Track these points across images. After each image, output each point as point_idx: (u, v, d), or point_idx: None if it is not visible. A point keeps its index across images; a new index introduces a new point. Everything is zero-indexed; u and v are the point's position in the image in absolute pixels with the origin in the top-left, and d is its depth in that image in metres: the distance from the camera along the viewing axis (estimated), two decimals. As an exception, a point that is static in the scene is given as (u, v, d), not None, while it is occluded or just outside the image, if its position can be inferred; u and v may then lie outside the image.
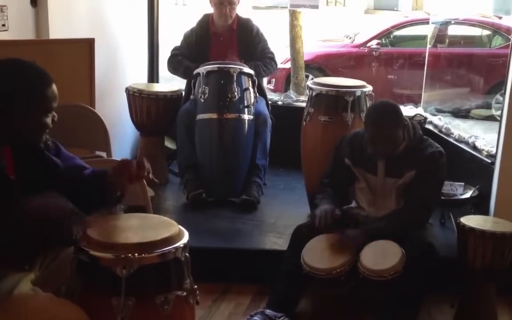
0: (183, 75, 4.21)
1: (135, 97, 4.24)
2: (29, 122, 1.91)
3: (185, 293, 1.89)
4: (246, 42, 4.19)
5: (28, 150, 1.97)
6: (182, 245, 1.89)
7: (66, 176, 2.04)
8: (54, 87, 1.95)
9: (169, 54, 4.29)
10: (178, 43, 4.31)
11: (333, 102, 3.69)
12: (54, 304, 1.82)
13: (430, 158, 2.91)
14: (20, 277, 1.92)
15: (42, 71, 1.96)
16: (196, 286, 1.93)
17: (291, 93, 5.45)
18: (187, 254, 1.91)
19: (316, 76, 7.45)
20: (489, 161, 3.66)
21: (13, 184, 1.90)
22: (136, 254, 1.79)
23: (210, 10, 4.24)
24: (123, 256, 1.79)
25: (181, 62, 4.18)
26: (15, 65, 1.94)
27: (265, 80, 4.72)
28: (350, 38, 9.14)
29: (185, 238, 1.94)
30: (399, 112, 2.95)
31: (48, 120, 1.94)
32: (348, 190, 3.14)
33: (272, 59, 4.22)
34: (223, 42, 4.20)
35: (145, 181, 2.47)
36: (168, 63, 4.27)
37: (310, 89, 3.82)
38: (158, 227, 1.97)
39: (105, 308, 1.78)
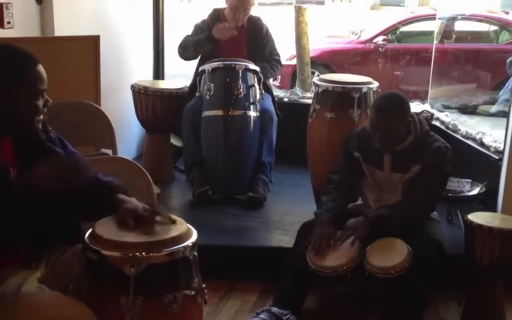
0: (193, 50, 4.09)
1: (140, 94, 4.24)
2: (16, 106, 1.86)
3: (193, 292, 1.88)
4: (255, 40, 4.18)
5: (28, 141, 1.94)
6: (190, 244, 1.88)
7: None
8: (39, 68, 1.90)
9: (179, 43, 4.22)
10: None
11: (339, 99, 3.68)
12: (61, 302, 1.81)
13: (435, 151, 2.90)
14: (27, 274, 1.92)
15: (24, 53, 1.91)
16: (204, 285, 1.92)
17: (297, 89, 5.45)
18: (195, 253, 1.90)
19: (322, 73, 7.44)
20: (497, 157, 3.64)
21: (12, 177, 1.88)
22: (144, 253, 1.79)
23: (218, 4, 4.23)
24: (131, 254, 1.78)
25: (189, 39, 4.11)
26: None
27: (270, 76, 4.71)
28: (356, 34, 9.12)
29: (194, 236, 1.93)
30: (405, 105, 2.93)
31: (39, 103, 1.89)
32: (355, 186, 3.13)
33: (278, 61, 4.24)
34: (233, 39, 4.18)
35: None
36: (179, 47, 4.16)
37: (316, 85, 3.81)
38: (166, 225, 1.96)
39: (113, 307, 1.78)
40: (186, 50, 4.13)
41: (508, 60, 5.98)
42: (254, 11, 4.41)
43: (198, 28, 4.21)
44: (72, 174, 1.84)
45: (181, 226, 1.96)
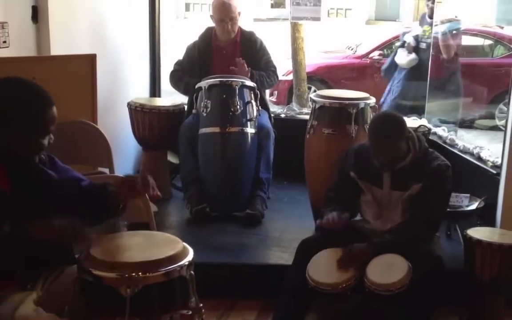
0: (183, 91, 4.22)
1: (137, 111, 4.23)
2: (25, 143, 1.91)
3: (190, 312, 1.86)
4: (250, 55, 4.17)
5: (22, 167, 1.95)
6: (187, 263, 1.87)
7: (63, 188, 2.02)
8: (54, 109, 1.95)
9: (171, 69, 4.29)
10: (181, 57, 4.30)
11: (337, 115, 3.68)
12: (57, 325, 1.80)
13: (436, 171, 2.89)
14: (23, 296, 1.90)
15: (42, 93, 1.95)
16: (201, 305, 1.90)
17: (294, 105, 5.44)
18: (192, 272, 1.89)
19: (318, 88, 7.45)
20: (495, 171, 3.64)
21: (8, 199, 1.88)
22: (140, 273, 1.77)
23: (212, 23, 4.24)
24: (127, 275, 1.77)
25: (181, 78, 4.19)
26: (15, 85, 1.92)
27: (267, 92, 4.72)
28: (352, 49, 9.15)
29: (190, 255, 1.92)
30: (401, 124, 2.92)
31: (45, 141, 1.95)
32: (354, 203, 3.11)
33: (275, 72, 4.23)
34: (226, 55, 4.19)
35: (148, 196, 2.46)
36: (170, 78, 4.28)
37: (313, 101, 3.81)
38: (162, 245, 1.95)
39: (110, 328, 1.76)
40: (177, 86, 4.25)
41: (383, 68, 6.10)
42: (249, 27, 4.43)
43: (189, 51, 4.26)
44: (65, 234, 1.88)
45: (177, 245, 1.94)
